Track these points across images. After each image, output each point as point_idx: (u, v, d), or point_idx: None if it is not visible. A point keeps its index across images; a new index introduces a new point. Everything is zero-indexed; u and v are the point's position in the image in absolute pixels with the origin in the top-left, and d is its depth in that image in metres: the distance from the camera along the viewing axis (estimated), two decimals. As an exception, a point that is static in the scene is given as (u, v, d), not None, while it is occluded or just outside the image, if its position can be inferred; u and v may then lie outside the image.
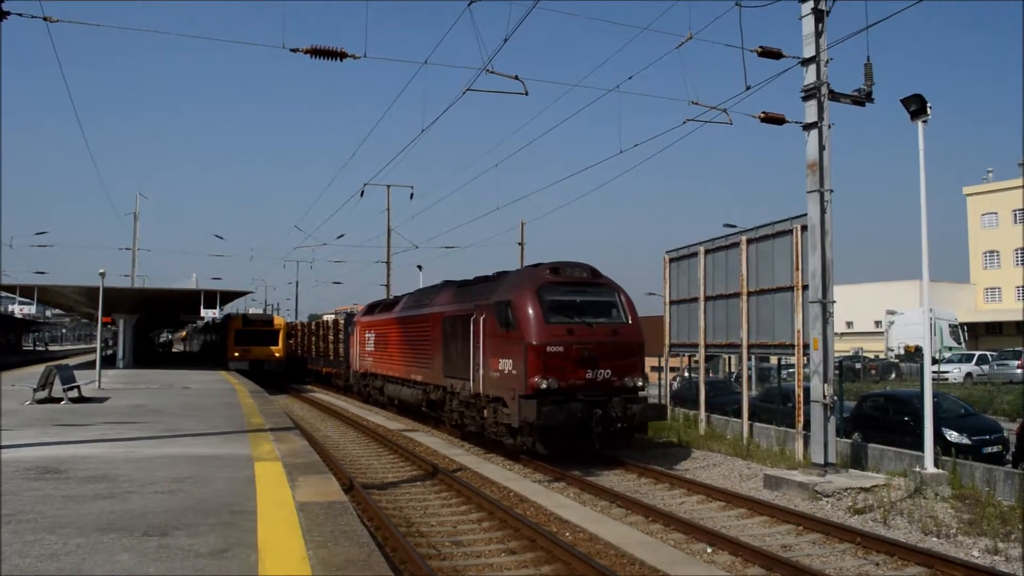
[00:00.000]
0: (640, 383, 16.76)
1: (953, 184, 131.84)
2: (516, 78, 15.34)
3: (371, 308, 32.82)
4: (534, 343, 15.90)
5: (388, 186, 46.07)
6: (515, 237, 44.51)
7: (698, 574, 9.31)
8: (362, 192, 38.52)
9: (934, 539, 11.19)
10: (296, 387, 42.79)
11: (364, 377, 31.60)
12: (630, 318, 17.25)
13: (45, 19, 12.89)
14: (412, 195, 52.08)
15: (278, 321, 47.41)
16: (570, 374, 15.94)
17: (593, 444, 15.71)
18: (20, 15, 12.34)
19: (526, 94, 15.44)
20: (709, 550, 10.42)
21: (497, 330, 17.10)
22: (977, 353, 44.68)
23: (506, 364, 16.64)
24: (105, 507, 7.83)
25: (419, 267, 46.30)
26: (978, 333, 61.99)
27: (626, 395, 16.26)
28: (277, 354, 44.37)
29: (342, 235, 70.28)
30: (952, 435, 16.28)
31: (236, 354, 42.76)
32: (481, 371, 17.89)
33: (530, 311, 16.28)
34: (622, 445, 17.02)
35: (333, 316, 53.18)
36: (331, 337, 41.58)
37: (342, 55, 14.21)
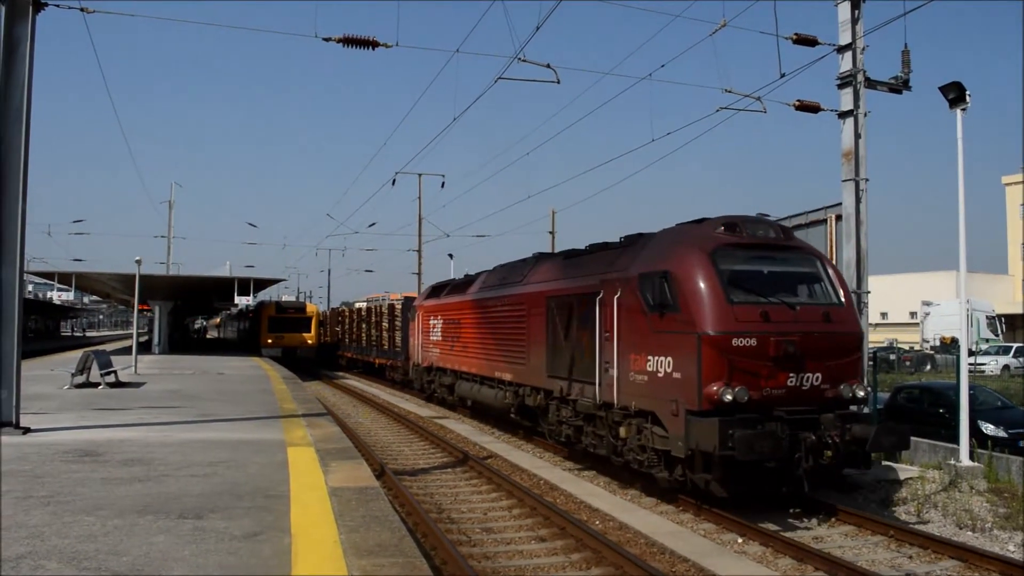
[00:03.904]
0: (862, 392, 11.80)
1: (991, 173, 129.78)
2: (548, 66, 15.33)
3: (436, 290, 27.74)
4: (711, 333, 11.00)
5: (419, 175, 46.25)
6: (546, 226, 44.49)
7: (728, 564, 9.28)
8: (394, 181, 38.76)
9: (969, 533, 11.05)
10: (328, 374, 43.15)
11: (428, 372, 26.86)
12: (843, 297, 12.35)
13: (82, 10, 13.06)
14: (443, 184, 52.20)
15: (310, 308, 47.91)
16: (765, 380, 11.06)
17: (799, 484, 10.87)
18: (57, 6, 12.51)
19: (558, 82, 15.46)
20: (739, 540, 10.38)
21: (644, 314, 12.25)
22: (1015, 345, 44.01)
23: (660, 363, 11.81)
24: (141, 490, 7.97)
25: (450, 255, 46.50)
26: (1016, 325, 60.84)
27: (842, 410, 11.50)
28: (309, 341, 44.84)
29: (374, 223, 70.72)
30: (988, 428, 16.04)
31: (269, 341, 43.28)
32: (614, 372, 12.98)
33: (702, 285, 11.35)
34: (831, 483, 12.33)
35: (365, 304, 53.44)
36: (385, 324, 36.96)
37: (374, 44, 14.27)
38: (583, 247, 16.51)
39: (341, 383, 37.05)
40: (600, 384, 13.49)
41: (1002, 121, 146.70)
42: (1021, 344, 44.37)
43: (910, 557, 9.83)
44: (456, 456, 16.20)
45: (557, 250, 29.32)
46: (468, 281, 24.10)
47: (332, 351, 49.89)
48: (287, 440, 11.55)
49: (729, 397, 10.71)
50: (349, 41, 14.17)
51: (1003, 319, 52.81)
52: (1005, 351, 42.04)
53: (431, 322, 26.27)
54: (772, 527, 10.79)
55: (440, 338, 25.11)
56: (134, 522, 6.67)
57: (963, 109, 14.28)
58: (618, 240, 14.93)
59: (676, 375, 11.47)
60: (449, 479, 14.21)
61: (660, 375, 11.82)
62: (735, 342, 11.01)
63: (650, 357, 12.09)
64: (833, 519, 11.42)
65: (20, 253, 11.66)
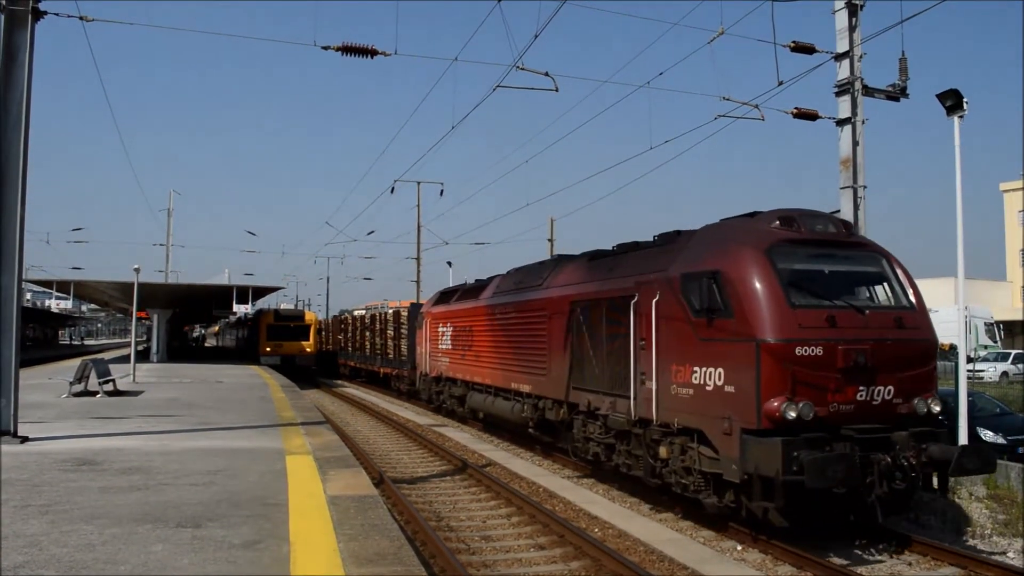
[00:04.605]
0: (937, 408, 10.61)
1: (989, 180, 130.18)
2: (547, 74, 15.39)
3: (446, 295, 26.28)
4: (772, 341, 9.74)
5: (418, 182, 46.28)
6: (544, 233, 44.53)
7: (728, 572, 9.27)
8: (392, 189, 38.87)
9: (968, 540, 11.05)
10: (327, 382, 43.11)
11: (437, 382, 25.23)
12: (914, 299, 11.05)
13: (81, 18, 13.11)
14: (442, 192, 52.31)
15: (309, 316, 47.85)
16: (832, 394, 9.84)
17: (871, 512, 9.79)
18: (57, 15, 12.54)
19: (556, 90, 15.50)
20: (739, 547, 10.37)
21: (688, 319, 10.94)
22: (1013, 352, 43.96)
23: (709, 375, 10.49)
24: (140, 499, 7.96)
25: (448, 263, 46.43)
26: (1014, 331, 60.78)
27: (916, 427, 10.20)
28: (308, 349, 44.80)
29: (372, 231, 70.93)
30: (987, 434, 16.02)
31: (268, 349, 43.21)
32: (652, 384, 11.65)
33: (759, 286, 10.08)
34: (900, 509, 10.84)
35: (364, 311, 53.41)
36: (390, 332, 35.23)
37: (373, 52, 14.31)
38: (596, 250, 15.69)
39: (340, 392, 37.00)
40: (635, 398, 12.15)
41: (1000, 128, 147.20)
42: (1020, 350, 44.35)
43: (909, 564, 9.83)
44: (455, 464, 16.18)
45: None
46: (480, 286, 22.76)
47: (331, 359, 49.84)
48: (286, 448, 11.53)
49: (793, 414, 9.47)
50: (348, 49, 14.21)
51: (1001, 325, 52.83)
52: (1004, 358, 41.99)
53: (440, 330, 24.67)
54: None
55: (450, 346, 23.58)
56: (132, 531, 6.66)
57: (960, 116, 14.30)
58: (652, 239, 13.65)
59: (728, 388, 10.14)
60: (448, 487, 14.20)
61: (709, 388, 10.47)
62: (798, 351, 9.73)
63: (696, 368, 10.75)
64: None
65: (19, 261, 11.67)
